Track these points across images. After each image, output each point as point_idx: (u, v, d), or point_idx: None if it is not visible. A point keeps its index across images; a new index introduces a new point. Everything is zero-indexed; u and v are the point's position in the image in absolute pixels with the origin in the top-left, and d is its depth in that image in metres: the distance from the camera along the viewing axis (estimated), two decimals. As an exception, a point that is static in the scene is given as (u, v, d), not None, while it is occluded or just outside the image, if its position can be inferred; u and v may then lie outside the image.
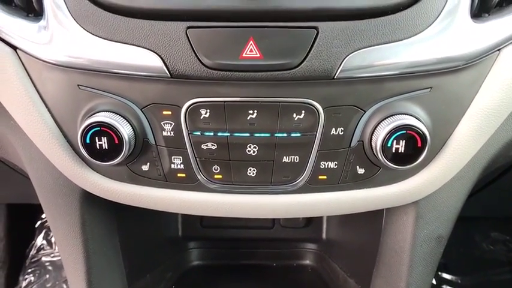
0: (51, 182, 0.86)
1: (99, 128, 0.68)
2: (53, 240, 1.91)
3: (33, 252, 1.91)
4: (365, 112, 0.69)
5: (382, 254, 0.97)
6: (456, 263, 1.80)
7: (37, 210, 1.89)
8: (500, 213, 1.70)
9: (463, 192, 0.87)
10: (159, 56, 0.64)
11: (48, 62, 0.68)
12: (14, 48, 0.70)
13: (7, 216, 1.83)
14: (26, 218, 1.90)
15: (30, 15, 0.70)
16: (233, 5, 0.62)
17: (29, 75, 0.71)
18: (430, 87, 0.68)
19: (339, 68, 0.64)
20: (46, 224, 1.93)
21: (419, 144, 0.67)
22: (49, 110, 0.73)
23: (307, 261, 1.46)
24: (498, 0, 0.68)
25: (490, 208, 1.54)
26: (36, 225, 1.94)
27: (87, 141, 0.69)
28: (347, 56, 0.63)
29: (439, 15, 0.64)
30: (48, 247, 1.91)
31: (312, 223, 1.47)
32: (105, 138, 0.68)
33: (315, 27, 0.63)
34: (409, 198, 0.81)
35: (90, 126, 0.68)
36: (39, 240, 1.92)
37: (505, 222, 1.87)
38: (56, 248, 1.88)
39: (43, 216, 1.95)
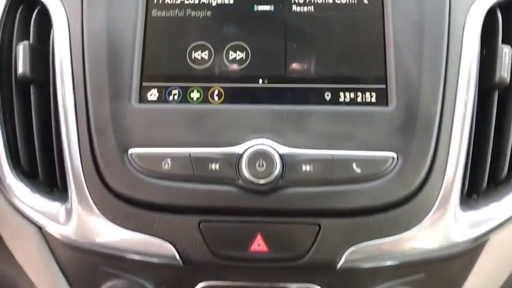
0: None
1: None
2: None
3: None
4: None
5: None
6: None
7: None
8: None
9: None
10: (174, 246, 0.69)
11: (70, 244, 0.73)
12: (39, 227, 0.76)
13: None
14: None
15: (54, 189, 0.76)
16: (243, 204, 0.68)
17: (51, 251, 0.77)
18: (424, 273, 0.73)
19: (340, 260, 0.69)
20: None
21: None
22: (69, 284, 0.78)
23: None
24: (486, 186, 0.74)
25: None
26: None
27: None
28: (348, 249, 0.69)
29: (431, 209, 0.70)
30: None
31: None
32: None
33: (318, 224, 0.69)
34: None
35: None
36: None
37: None
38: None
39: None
